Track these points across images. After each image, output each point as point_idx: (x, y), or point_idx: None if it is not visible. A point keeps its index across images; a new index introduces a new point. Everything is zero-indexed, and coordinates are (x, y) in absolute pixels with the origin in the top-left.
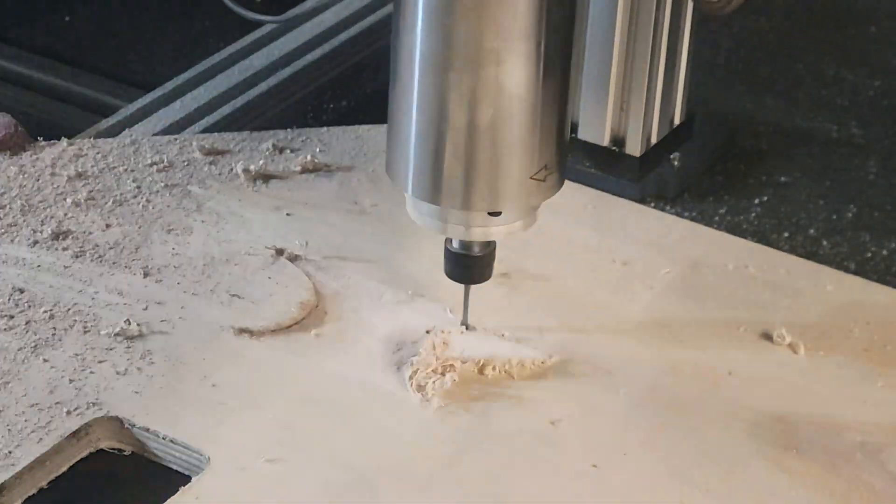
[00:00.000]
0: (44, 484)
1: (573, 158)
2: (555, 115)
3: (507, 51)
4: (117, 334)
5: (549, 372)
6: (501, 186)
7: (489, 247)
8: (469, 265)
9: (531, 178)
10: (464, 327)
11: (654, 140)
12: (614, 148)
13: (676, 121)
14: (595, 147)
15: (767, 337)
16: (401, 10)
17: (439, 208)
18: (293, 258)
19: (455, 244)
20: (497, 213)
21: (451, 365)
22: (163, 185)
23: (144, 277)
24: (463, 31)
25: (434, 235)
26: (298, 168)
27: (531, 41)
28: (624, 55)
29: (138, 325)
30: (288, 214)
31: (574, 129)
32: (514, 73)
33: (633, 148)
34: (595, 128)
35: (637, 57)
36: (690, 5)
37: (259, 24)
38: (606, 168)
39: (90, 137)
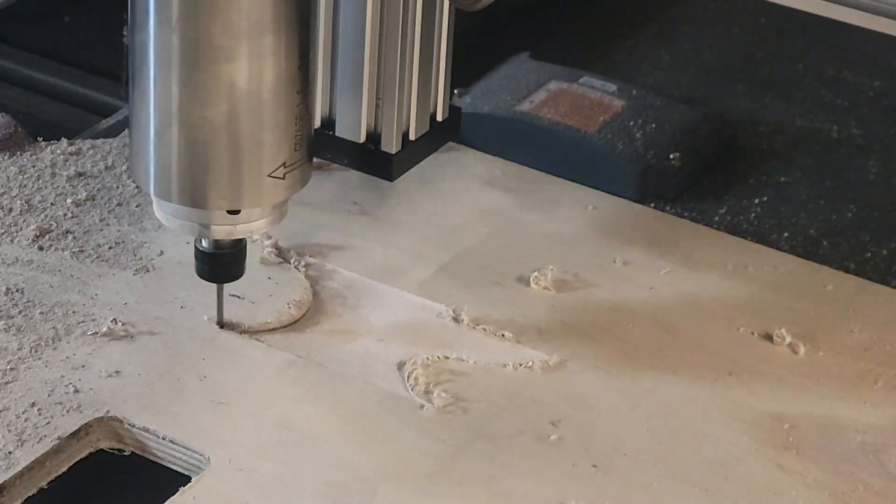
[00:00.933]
0: (44, 484)
1: (332, 155)
2: (292, 112)
3: (237, 48)
4: (117, 334)
5: (550, 372)
6: (238, 185)
7: (238, 245)
8: (218, 264)
9: (269, 175)
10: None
11: (412, 136)
12: (370, 145)
13: (439, 117)
14: (352, 144)
15: (767, 337)
16: (134, 6)
17: (182, 208)
18: (293, 257)
19: (204, 243)
20: (236, 212)
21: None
22: None
23: (144, 277)
24: (193, 28)
25: (434, 235)
26: None
27: (262, 38)
28: (376, 51)
29: (138, 325)
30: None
31: (332, 125)
32: (245, 70)
33: (388, 145)
34: (351, 125)
35: (388, 51)
36: (446, 2)
37: None
38: (363, 165)
39: (90, 137)
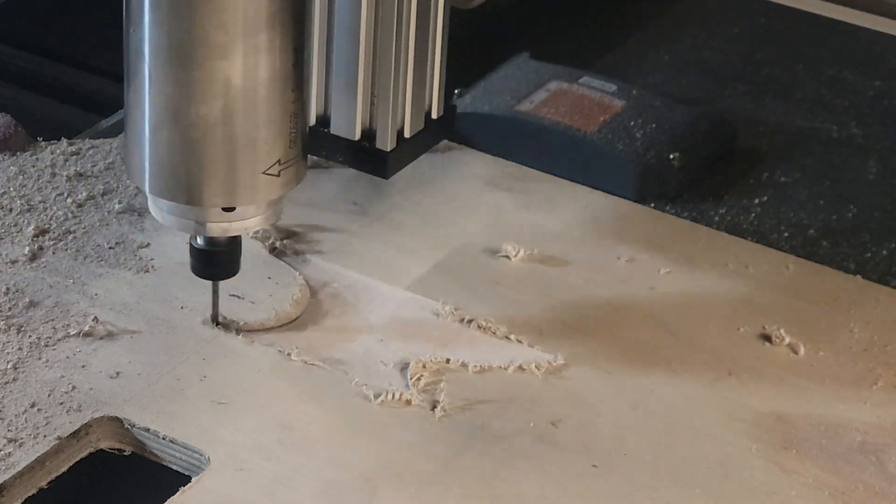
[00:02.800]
0: (44, 484)
1: (327, 152)
2: (286, 109)
3: (233, 45)
4: (117, 334)
5: (550, 372)
6: (233, 182)
7: (233, 242)
8: (213, 261)
9: (264, 173)
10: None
11: (407, 134)
12: (365, 143)
13: (434, 115)
14: (346, 141)
15: (767, 337)
16: (129, 4)
17: (177, 205)
18: (292, 257)
19: (199, 241)
20: (231, 209)
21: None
22: None
23: (144, 277)
24: (188, 25)
25: (433, 235)
26: None
27: (257, 35)
28: (371, 49)
29: (138, 325)
30: (286, 213)
31: (327, 123)
32: (240, 67)
33: (383, 142)
34: (346, 122)
35: (383, 48)
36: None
37: None
38: (358, 163)
39: (90, 137)
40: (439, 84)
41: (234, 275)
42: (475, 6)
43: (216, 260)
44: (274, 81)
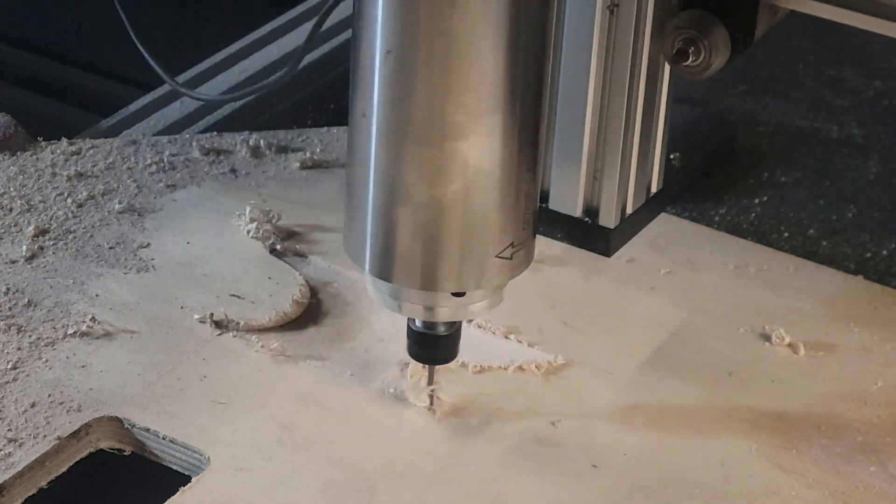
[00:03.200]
0: (44, 484)
1: (544, 229)
2: (522, 191)
3: (471, 124)
4: (117, 334)
5: (550, 372)
6: (465, 266)
7: (454, 326)
8: (434, 345)
9: (497, 256)
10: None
11: (629, 210)
12: (587, 219)
13: (654, 188)
14: (567, 218)
15: (767, 337)
16: (357, 80)
17: (404, 289)
18: (293, 257)
19: (418, 323)
20: (461, 294)
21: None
22: (163, 185)
23: (144, 277)
24: (425, 103)
25: None
26: (298, 167)
27: (497, 114)
28: (597, 122)
29: (138, 325)
30: (286, 213)
31: (545, 198)
32: (479, 147)
33: (607, 219)
34: (567, 198)
35: (611, 124)
36: (668, 70)
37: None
38: (578, 240)
39: (90, 137)
40: (661, 156)
41: (452, 359)
42: (709, 76)
43: (438, 344)
44: (511, 161)
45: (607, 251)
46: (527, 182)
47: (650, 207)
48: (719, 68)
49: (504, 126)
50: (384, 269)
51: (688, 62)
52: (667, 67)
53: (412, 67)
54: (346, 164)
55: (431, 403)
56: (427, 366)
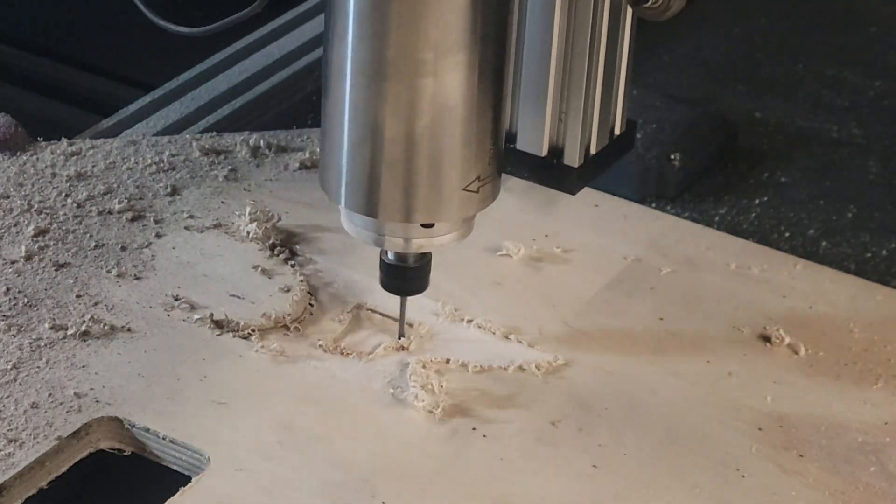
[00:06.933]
0: (44, 484)
1: (511, 168)
2: (488, 126)
3: (440, 61)
4: (117, 334)
5: (550, 372)
6: (434, 198)
7: (424, 258)
8: (405, 277)
9: (464, 189)
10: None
11: (593, 150)
12: (552, 159)
13: (617, 130)
14: (533, 157)
15: (767, 337)
16: (332, 19)
17: (373, 220)
18: (293, 257)
19: (390, 256)
20: (430, 225)
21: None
22: (163, 185)
23: (145, 278)
24: (395, 41)
25: None
26: (298, 167)
27: (464, 52)
28: (561, 64)
29: (138, 325)
30: (287, 213)
31: (513, 138)
32: (446, 83)
33: (571, 159)
34: (533, 138)
35: (575, 65)
36: (630, 12)
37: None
38: (544, 179)
39: (90, 137)
40: (623, 99)
41: (422, 291)
42: (669, 17)
43: (409, 275)
44: (475, 98)
45: (572, 189)
46: (491, 119)
47: (613, 148)
48: (679, 10)
49: (469, 64)
50: (358, 203)
51: (647, 4)
52: (629, 10)
53: (383, 6)
54: (321, 105)
55: (433, 408)
56: (401, 303)
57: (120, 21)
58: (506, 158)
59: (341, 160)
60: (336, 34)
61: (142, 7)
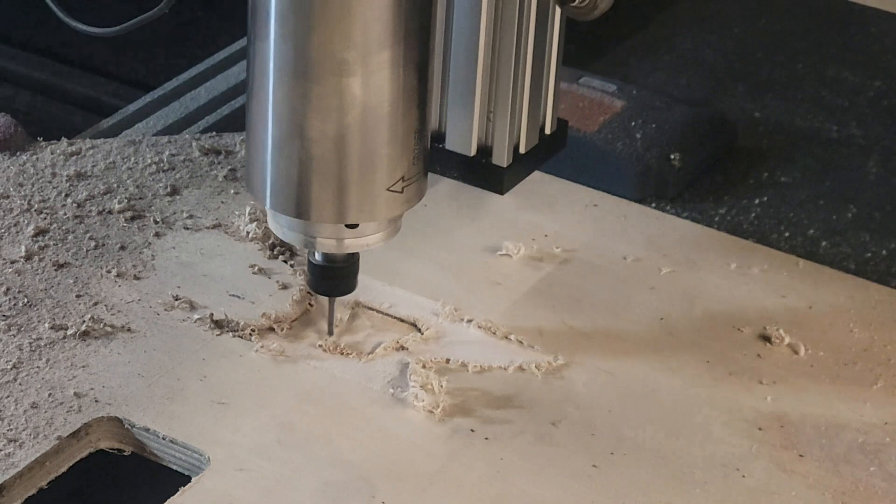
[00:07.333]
0: (44, 484)
1: (441, 168)
2: (412, 125)
3: (359, 61)
4: (117, 334)
5: (550, 372)
6: (357, 199)
7: (352, 258)
8: (332, 277)
9: (388, 189)
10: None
11: (522, 150)
12: (481, 158)
13: (547, 130)
14: (462, 157)
15: (767, 337)
16: (255, 19)
17: (300, 221)
18: (293, 257)
19: (317, 256)
20: (354, 226)
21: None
22: (163, 185)
23: (144, 278)
24: (315, 41)
25: (432, 235)
26: None
27: (388, 51)
28: (489, 63)
29: (138, 325)
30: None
31: (442, 139)
32: (367, 83)
33: (500, 158)
34: (462, 138)
35: (502, 65)
36: (558, 12)
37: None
38: (473, 179)
39: (90, 137)
40: (553, 98)
41: (350, 291)
42: (596, 17)
43: (336, 276)
44: (399, 98)
45: (500, 189)
46: (415, 119)
47: (544, 147)
48: (606, 9)
49: (393, 63)
50: (283, 204)
51: (574, 3)
52: (557, 9)
53: (305, 6)
54: (245, 104)
55: (433, 408)
56: (329, 305)
57: (121, 20)
58: (435, 158)
59: (266, 161)
60: (257, 34)
61: (53, 7)
